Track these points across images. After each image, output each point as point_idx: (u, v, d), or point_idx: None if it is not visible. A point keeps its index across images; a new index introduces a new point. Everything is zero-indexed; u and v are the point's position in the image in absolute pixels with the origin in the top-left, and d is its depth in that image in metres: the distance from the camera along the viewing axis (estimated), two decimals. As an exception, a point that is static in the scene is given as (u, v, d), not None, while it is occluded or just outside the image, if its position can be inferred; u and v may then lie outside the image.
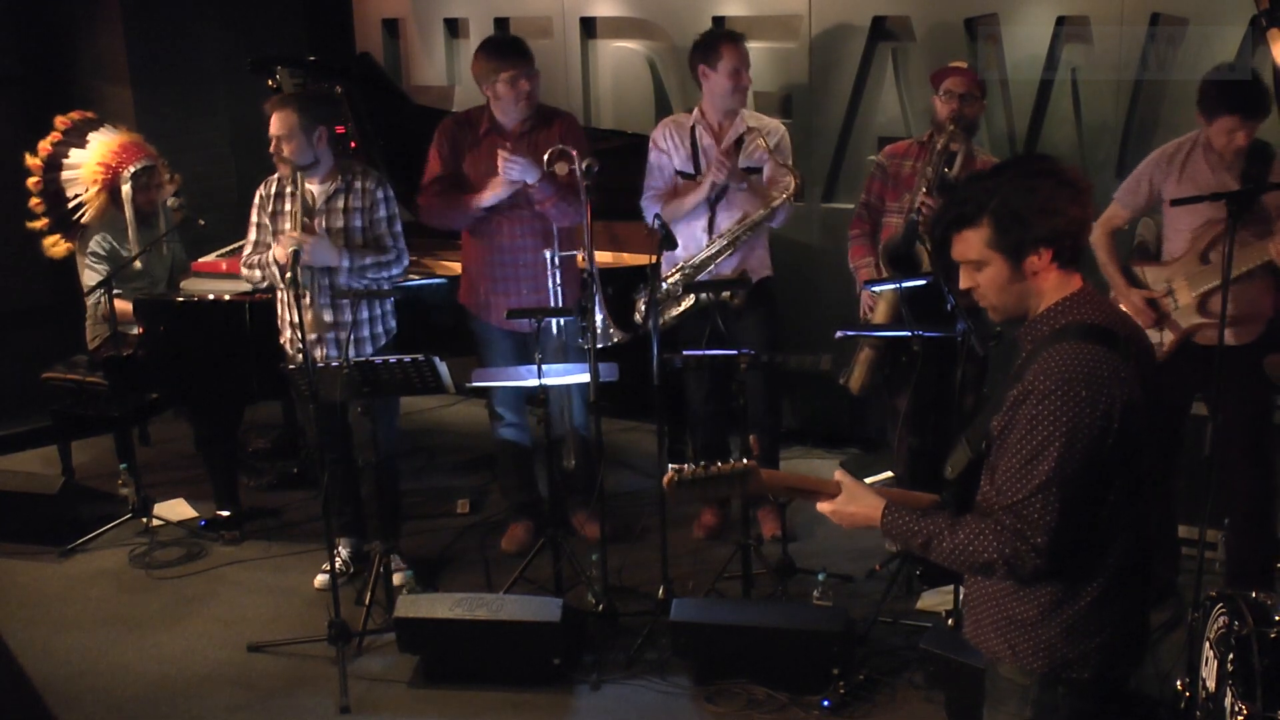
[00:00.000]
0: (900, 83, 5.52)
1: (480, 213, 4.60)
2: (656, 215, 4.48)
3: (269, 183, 4.59)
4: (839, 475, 2.45)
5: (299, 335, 4.12)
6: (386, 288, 4.64)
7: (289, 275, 4.17)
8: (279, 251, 4.37)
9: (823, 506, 2.43)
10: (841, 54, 5.60)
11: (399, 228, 4.62)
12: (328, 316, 4.50)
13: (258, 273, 4.55)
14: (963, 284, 2.35)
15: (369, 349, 4.58)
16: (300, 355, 4.16)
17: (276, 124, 4.42)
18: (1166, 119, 4.98)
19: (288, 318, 4.60)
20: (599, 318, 4.29)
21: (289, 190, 4.51)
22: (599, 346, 4.24)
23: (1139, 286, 4.15)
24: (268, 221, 4.55)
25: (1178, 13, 4.83)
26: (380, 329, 4.67)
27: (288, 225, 4.44)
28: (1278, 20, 3.92)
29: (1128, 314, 2.49)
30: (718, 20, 5.86)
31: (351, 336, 4.47)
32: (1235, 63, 4.57)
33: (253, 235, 4.61)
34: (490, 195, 4.54)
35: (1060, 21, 5.07)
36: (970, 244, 2.28)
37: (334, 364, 4.24)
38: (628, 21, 6.20)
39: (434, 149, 4.69)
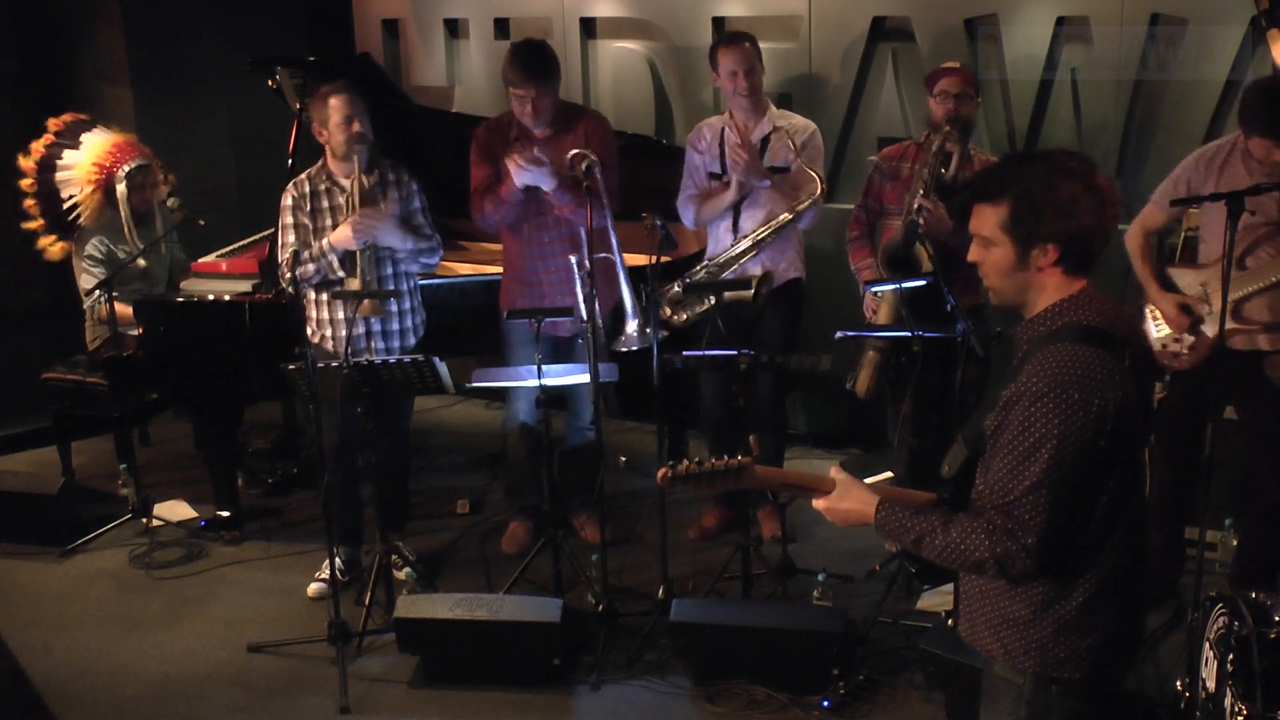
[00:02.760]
0: (900, 83, 5.52)
1: (519, 195, 4.53)
2: (657, 216, 4.47)
3: (299, 183, 4.57)
4: (834, 472, 2.45)
5: (333, 333, 4.29)
6: (413, 284, 4.73)
7: (350, 262, 4.24)
8: (339, 235, 4.41)
9: (818, 503, 2.44)
10: (841, 54, 5.60)
11: (430, 217, 4.69)
12: (389, 305, 4.55)
13: (310, 267, 4.47)
14: (970, 256, 2.36)
15: (411, 340, 4.68)
16: (341, 350, 4.30)
17: (348, 104, 4.42)
18: (1166, 119, 4.98)
19: (325, 316, 4.60)
20: (633, 323, 4.28)
21: (323, 188, 4.53)
22: (635, 349, 4.26)
23: (1173, 290, 4.08)
24: (307, 221, 4.53)
25: (1178, 13, 4.83)
26: (418, 320, 4.75)
27: (332, 220, 4.49)
28: (1278, 20, 3.92)
29: (1127, 315, 2.48)
30: (717, 21, 5.86)
31: (397, 328, 4.63)
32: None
33: (291, 237, 4.54)
34: (517, 177, 4.48)
35: (1060, 22, 5.08)
36: (986, 220, 2.29)
37: (377, 358, 4.28)
38: (628, 22, 6.20)
39: (473, 158, 4.68)
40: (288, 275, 4.39)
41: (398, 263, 4.61)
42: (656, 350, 4.25)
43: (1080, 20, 5.04)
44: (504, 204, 4.57)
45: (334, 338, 4.60)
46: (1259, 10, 4.12)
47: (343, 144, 4.45)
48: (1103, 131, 5.10)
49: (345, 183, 4.49)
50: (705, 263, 4.77)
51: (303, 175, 4.59)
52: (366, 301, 4.42)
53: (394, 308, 4.61)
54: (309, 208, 4.54)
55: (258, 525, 5.36)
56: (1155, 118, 5.02)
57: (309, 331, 4.62)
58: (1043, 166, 2.26)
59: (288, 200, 4.57)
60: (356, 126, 4.43)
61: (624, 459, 5.73)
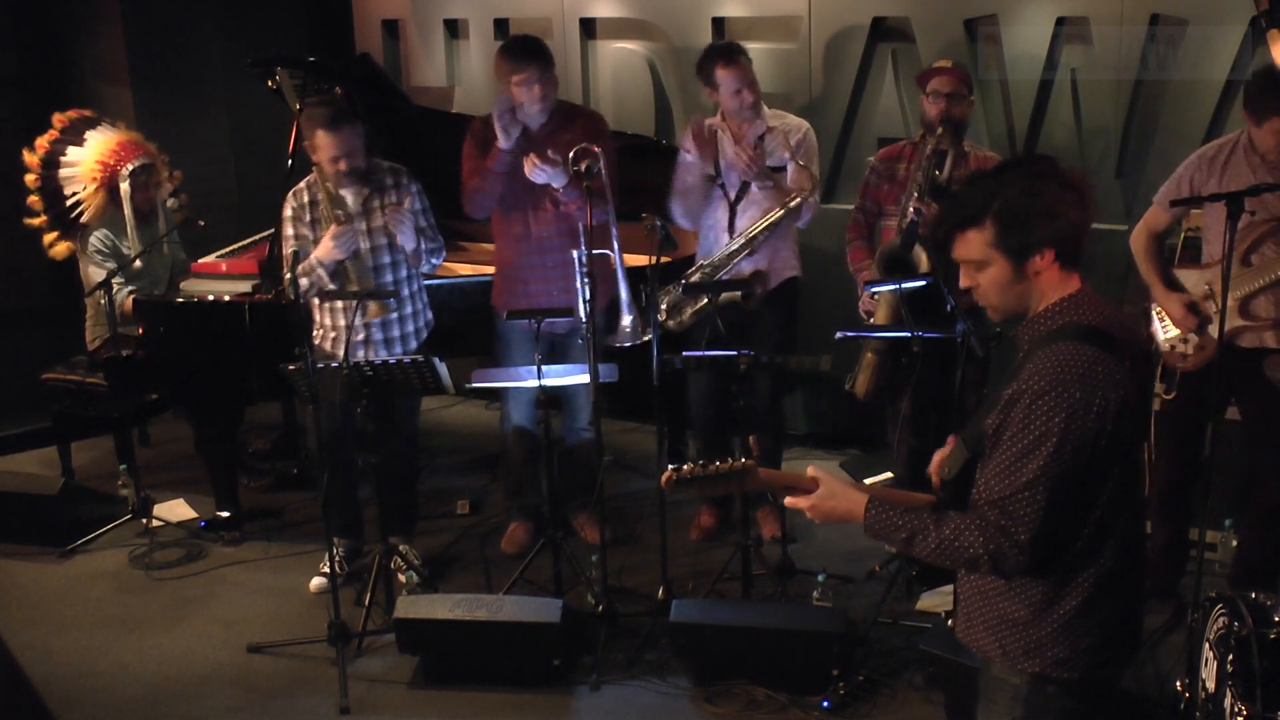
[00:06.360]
0: (900, 83, 5.51)
1: (506, 164, 4.49)
2: (657, 216, 4.47)
3: (298, 193, 4.58)
4: (813, 470, 2.43)
5: (334, 336, 4.27)
6: (417, 287, 4.72)
7: (341, 274, 4.26)
8: (322, 249, 4.40)
9: (798, 502, 2.41)
10: (841, 54, 5.60)
11: (433, 219, 4.68)
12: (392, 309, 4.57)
13: (304, 280, 4.45)
14: (963, 283, 2.36)
15: (414, 344, 4.67)
16: (342, 354, 4.32)
17: (342, 143, 4.37)
18: (1166, 119, 4.98)
19: (328, 322, 4.62)
20: (628, 318, 4.29)
21: (321, 196, 4.52)
22: (627, 345, 4.25)
23: (1179, 290, 4.06)
24: (307, 231, 4.54)
25: (1177, 13, 4.83)
26: (423, 323, 4.75)
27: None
28: (1277, 21, 3.91)
29: (1125, 316, 2.49)
30: (717, 21, 5.86)
31: (398, 334, 4.62)
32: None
33: (293, 248, 4.55)
34: (504, 140, 4.47)
35: (1060, 22, 5.07)
36: (972, 244, 2.29)
37: (376, 359, 4.29)
38: (628, 22, 6.20)
39: (465, 149, 4.66)
40: (288, 276, 4.40)
41: (399, 267, 4.60)
42: (656, 351, 4.25)
43: (1080, 20, 5.04)
44: (489, 174, 4.53)
45: (338, 341, 4.59)
46: (1259, 10, 4.11)
47: (331, 177, 4.45)
48: (1102, 132, 5.10)
49: (341, 193, 4.49)
50: (700, 263, 4.76)
51: (302, 185, 4.60)
52: (373, 304, 4.43)
53: (394, 314, 4.60)
54: (308, 218, 4.55)
55: (258, 525, 5.36)
56: (1155, 118, 5.02)
57: (315, 334, 4.64)
58: (1014, 176, 2.27)
59: (287, 211, 4.58)
60: (344, 165, 4.41)
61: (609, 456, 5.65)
